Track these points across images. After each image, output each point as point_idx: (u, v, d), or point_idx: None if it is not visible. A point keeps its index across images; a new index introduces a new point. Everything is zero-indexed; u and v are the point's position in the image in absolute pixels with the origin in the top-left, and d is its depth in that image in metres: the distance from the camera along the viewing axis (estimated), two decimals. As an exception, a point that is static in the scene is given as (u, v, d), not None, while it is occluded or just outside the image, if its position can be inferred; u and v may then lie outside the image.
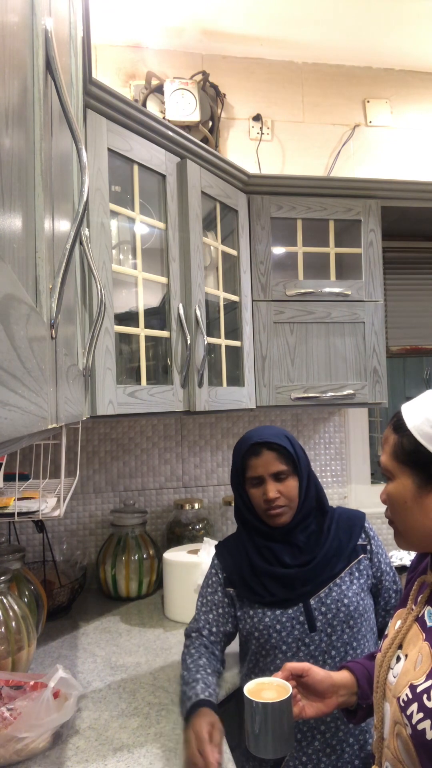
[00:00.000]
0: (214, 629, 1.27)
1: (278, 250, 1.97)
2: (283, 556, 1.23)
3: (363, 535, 1.28)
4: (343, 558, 1.24)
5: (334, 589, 1.21)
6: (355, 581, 1.23)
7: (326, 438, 2.27)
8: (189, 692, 1.14)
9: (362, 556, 1.26)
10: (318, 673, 0.96)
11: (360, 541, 1.27)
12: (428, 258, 2.41)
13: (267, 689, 0.95)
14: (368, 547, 1.28)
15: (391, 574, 1.30)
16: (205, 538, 1.76)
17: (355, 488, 2.29)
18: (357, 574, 1.24)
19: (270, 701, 0.91)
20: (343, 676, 0.98)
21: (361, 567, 1.25)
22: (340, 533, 1.26)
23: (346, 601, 1.20)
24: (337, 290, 1.92)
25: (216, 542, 1.73)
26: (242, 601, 1.26)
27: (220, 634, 1.28)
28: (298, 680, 0.96)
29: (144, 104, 2.13)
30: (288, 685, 0.94)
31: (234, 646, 1.34)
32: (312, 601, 1.20)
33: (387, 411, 4.07)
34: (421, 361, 3.89)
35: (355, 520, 1.30)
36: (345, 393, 1.92)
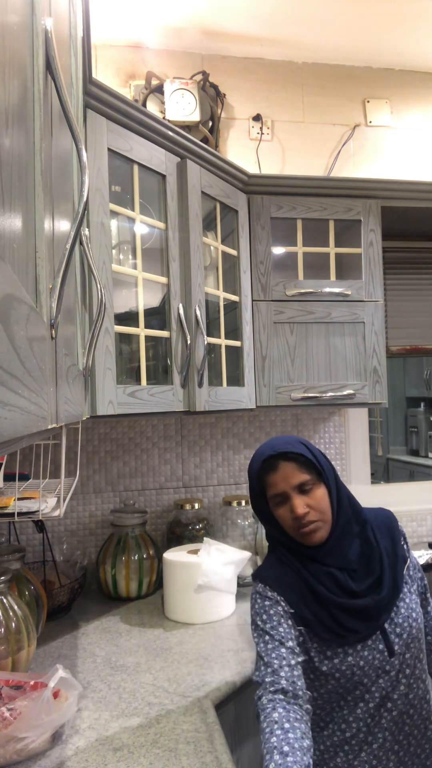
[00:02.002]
0: (293, 661, 1.06)
1: (278, 250, 1.97)
2: (347, 581, 1.11)
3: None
4: (398, 570, 1.14)
5: (401, 606, 1.12)
6: (412, 591, 1.15)
7: (326, 438, 2.27)
8: None
9: (409, 561, 1.18)
10: None
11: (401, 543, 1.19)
12: (428, 258, 2.41)
13: None
14: (405, 547, 1.20)
15: (416, 561, 1.22)
16: (205, 538, 1.76)
17: (355, 488, 2.29)
18: (410, 582, 1.16)
19: None
20: None
21: (410, 573, 1.17)
22: (385, 542, 1.16)
23: (414, 615, 1.12)
24: (337, 290, 1.92)
25: (214, 541, 1.74)
26: (314, 640, 1.10)
27: (299, 667, 1.07)
28: None
29: (144, 104, 2.13)
30: None
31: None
32: (386, 625, 1.11)
33: (387, 411, 4.07)
34: (421, 361, 3.90)
35: (390, 522, 1.21)
36: (345, 393, 1.92)
